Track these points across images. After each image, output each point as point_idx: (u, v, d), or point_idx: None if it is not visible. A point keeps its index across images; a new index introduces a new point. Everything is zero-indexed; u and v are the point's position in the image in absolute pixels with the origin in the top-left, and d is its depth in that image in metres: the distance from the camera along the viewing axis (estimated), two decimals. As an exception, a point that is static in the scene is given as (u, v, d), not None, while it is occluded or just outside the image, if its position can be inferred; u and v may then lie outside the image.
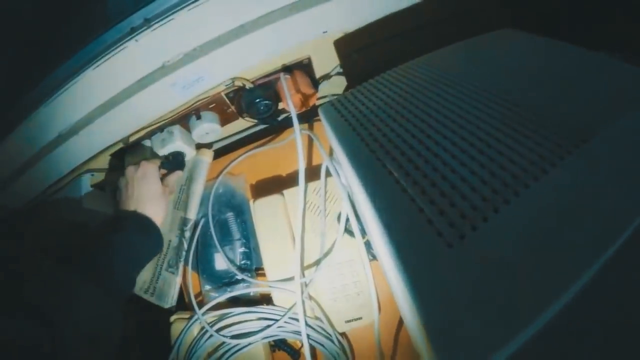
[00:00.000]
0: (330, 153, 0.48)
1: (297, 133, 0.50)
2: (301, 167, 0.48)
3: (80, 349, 0.40)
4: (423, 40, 0.59)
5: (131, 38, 0.54)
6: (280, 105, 0.61)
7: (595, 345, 0.22)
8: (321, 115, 0.44)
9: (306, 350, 0.47)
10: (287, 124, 0.60)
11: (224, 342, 0.49)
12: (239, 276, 0.53)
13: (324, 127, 0.43)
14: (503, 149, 0.30)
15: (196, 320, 0.51)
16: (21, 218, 0.71)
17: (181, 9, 0.53)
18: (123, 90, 0.58)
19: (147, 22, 0.54)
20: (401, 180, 0.31)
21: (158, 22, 0.54)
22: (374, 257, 0.49)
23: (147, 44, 0.55)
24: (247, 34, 0.54)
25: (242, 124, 0.65)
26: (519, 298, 0.23)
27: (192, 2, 0.53)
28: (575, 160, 0.27)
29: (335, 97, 0.44)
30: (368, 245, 0.49)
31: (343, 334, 0.51)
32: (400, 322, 0.50)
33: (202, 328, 0.50)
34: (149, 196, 0.54)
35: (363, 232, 0.47)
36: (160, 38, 0.54)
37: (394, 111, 0.38)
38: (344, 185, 0.43)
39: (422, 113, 0.36)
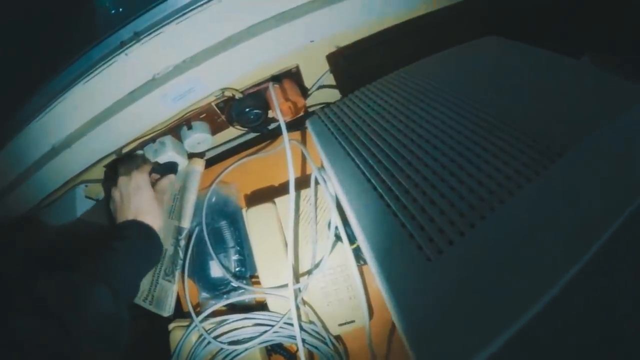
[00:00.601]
0: (319, 163, 0.50)
1: (287, 143, 0.52)
2: (291, 176, 0.50)
3: (90, 348, 0.42)
4: (410, 45, 0.61)
5: (121, 52, 0.56)
6: (270, 114, 0.63)
7: (564, 353, 0.25)
8: (309, 127, 0.46)
9: (301, 354, 0.49)
10: (278, 131, 0.62)
11: (222, 349, 0.52)
12: (235, 283, 0.55)
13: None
14: (481, 164, 0.32)
15: (194, 327, 0.53)
16: (15, 228, 0.73)
17: (170, 22, 0.55)
18: (114, 103, 0.60)
19: (137, 36, 0.56)
20: (385, 195, 0.34)
21: (147, 35, 0.55)
22: (365, 262, 0.52)
23: (137, 58, 0.56)
24: (235, 46, 0.55)
25: (233, 132, 0.67)
26: (491, 309, 0.25)
27: (181, 16, 0.54)
28: (550, 175, 0.30)
29: (322, 108, 0.46)
30: (358, 250, 0.51)
31: (337, 337, 0.54)
32: (393, 324, 0.53)
33: (200, 335, 0.53)
34: (145, 205, 0.56)
35: (352, 239, 0.50)
36: (150, 51, 0.56)
37: (378, 125, 0.40)
38: (332, 195, 0.45)
39: (405, 127, 0.38)
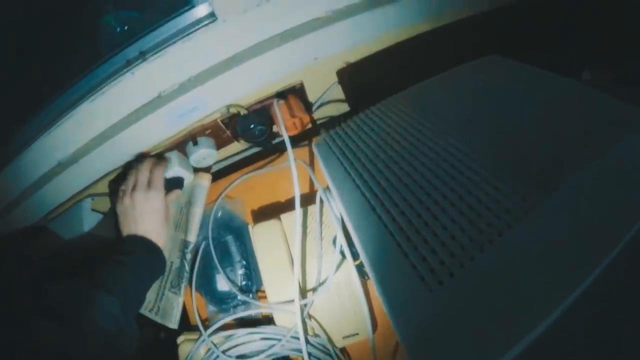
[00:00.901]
0: (324, 182, 0.52)
1: (292, 161, 0.54)
2: (297, 195, 0.52)
3: (98, 355, 0.45)
4: (414, 60, 0.63)
5: (127, 71, 0.57)
6: (275, 128, 0.65)
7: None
8: (315, 150, 0.48)
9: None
10: (283, 146, 0.64)
11: (229, 361, 0.54)
12: (241, 298, 0.58)
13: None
14: (481, 195, 0.34)
15: (203, 341, 0.55)
16: (23, 239, 0.75)
17: (175, 41, 0.56)
18: (121, 120, 0.62)
19: (143, 55, 0.58)
20: (389, 225, 0.36)
21: (153, 54, 0.57)
22: (368, 277, 0.54)
23: (143, 76, 0.58)
24: (239, 64, 0.57)
25: (238, 146, 0.69)
26: (486, 341, 0.27)
27: (186, 35, 0.56)
28: (542, 212, 0.32)
29: (328, 131, 0.48)
30: (362, 265, 0.54)
31: (342, 350, 0.56)
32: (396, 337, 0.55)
33: (209, 349, 0.55)
34: (153, 220, 0.57)
35: (356, 255, 0.52)
36: (156, 69, 0.58)
37: (382, 151, 0.42)
38: (337, 216, 0.47)
39: (408, 155, 0.40)
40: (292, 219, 0.56)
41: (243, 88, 0.60)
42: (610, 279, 0.28)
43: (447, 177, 0.37)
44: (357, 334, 0.55)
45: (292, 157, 0.54)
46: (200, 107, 0.60)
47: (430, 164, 0.38)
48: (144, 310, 0.64)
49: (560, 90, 0.43)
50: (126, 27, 0.60)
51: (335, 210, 0.47)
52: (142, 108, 0.61)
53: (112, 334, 0.46)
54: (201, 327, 0.57)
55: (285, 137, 0.56)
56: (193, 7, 0.56)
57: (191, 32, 0.56)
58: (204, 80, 0.58)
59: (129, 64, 0.58)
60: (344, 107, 0.69)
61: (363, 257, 0.37)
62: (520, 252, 0.30)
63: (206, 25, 0.55)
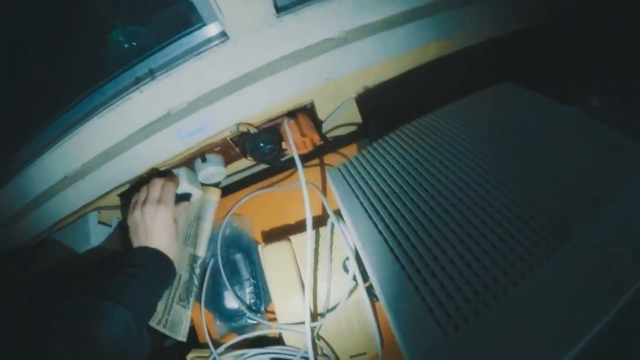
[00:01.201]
0: (335, 205, 0.53)
1: (303, 184, 0.55)
2: (308, 218, 0.53)
3: None
4: (427, 81, 0.63)
5: (136, 89, 0.58)
6: (284, 146, 0.65)
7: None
8: (329, 180, 0.49)
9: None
10: (292, 164, 0.65)
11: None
12: (251, 318, 0.59)
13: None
14: (496, 241, 0.36)
15: (213, 359, 0.57)
16: (29, 251, 0.76)
17: (186, 60, 0.56)
18: (129, 137, 0.62)
19: (152, 73, 0.58)
20: (406, 267, 0.37)
21: (163, 72, 0.57)
22: (377, 299, 0.56)
23: (151, 94, 0.58)
24: (250, 84, 0.57)
25: (247, 162, 0.70)
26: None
27: (197, 54, 0.56)
28: (556, 258, 0.33)
29: (343, 162, 0.49)
30: (371, 287, 0.55)
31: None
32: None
33: (219, 367, 0.57)
34: (164, 233, 0.58)
35: (366, 277, 0.53)
36: (165, 88, 0.58)
37: (398, 186, 0.43)
38: (350, 246, 0.49)
39: (424, 191, 0.41)
40: (301, 241, 0.57)
41: (253, 107, 0.60)
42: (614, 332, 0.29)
43: (463, 219, 0.38)
44: (365, 353, 0.57)
45: (304, 180, 0.55)
46: (209, 125, 0.60)
47: (447, 204, 0.39)
48: (152, 323, 0.66)
49: (569, 125, 0.44)
50: (134, 43, 0.60)
51: (348, 239, 0.49)
52: (150, 125, 0.61)
53: (125, 345, 0.48)
54: (211, 347, 0.58)
55: (297, 157, 0.57)
56: (204, 25, 0.56)
57: (202, 51, 0.56)
58: (214, 100, 0.58)
59: (138, 81, 0.58)
60: (353, 127, 0.70)
61: (379, 294, 0.39)
62: (532, 304, 0.32)
63: (217, 44, 0.55)
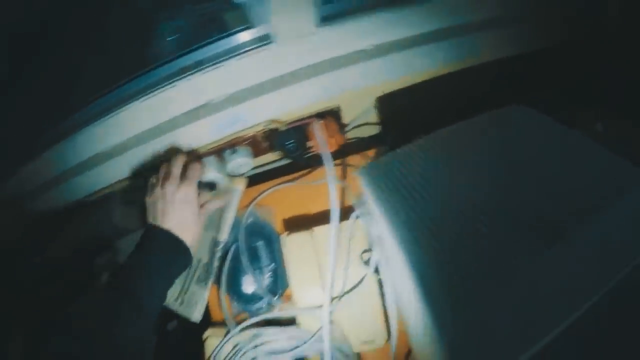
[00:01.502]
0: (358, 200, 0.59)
1: (331, 179, 0.61)
2: (334, 210, 0.59)
3: None
4: (448, 94, 0.71)
5: (181, 78, 0.63)
6: (308, 144, 0.71)
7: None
8: (360, 177, 0.55)
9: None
10: (314, 162, 0.71)
11: (255, 358, 0.60)
12: (269, 300, 0.64)
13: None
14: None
15: (232, 336, 0.61)
16: (51, 227, 0.78)
17: (231, 57, 0.62)
18: (166, 122, 0.66)
19: (198, 65, 0.63)
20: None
21: (208, 66, 0.62)
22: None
23: (195, 84, 0.63)
24: (287, 85, 0.63)
25: (272, 156, 0.75)
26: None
27: (242, 52, 0.62)
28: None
29: (372, 160, 0.55)
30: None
31: (358, 355, 0.63)
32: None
33: (236, 344, 0.61)
34: (187, 222, 0.58)
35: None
36: (208, 80, 0.63)
37: (423, 190, 0.49)
38: (375, 237, 0.55)
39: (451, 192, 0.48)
40: (324, 232, 0.63)
41: (286, 106, 0.66)
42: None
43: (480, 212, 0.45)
44: (374, 340, 0.63)
45: (332, 174, 0.61)
46: (245, 119, 0.66)
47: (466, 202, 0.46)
48: (168, 302, 0.69)
49: (574, 147, 0.52)
50: (180, 36, 0.65)
51: (374, 231, 0.55)
52: (189, 113, 0.66)
53: (130, 344, 0.49)
54: (231, 322, 0.62)
55: (326, 155, 0.63)
56: (252, 27, 0.62)
57: (247, 50, 0.62)
58: (252, 96, 0.64)
59: (183, 71, 0.63)
60: (373, 132, 0.76)
61: (409, 276, 0.44)
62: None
63: (262, 45, 0.61)
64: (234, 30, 0.63)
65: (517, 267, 0.40)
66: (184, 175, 0.59)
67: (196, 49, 0.63)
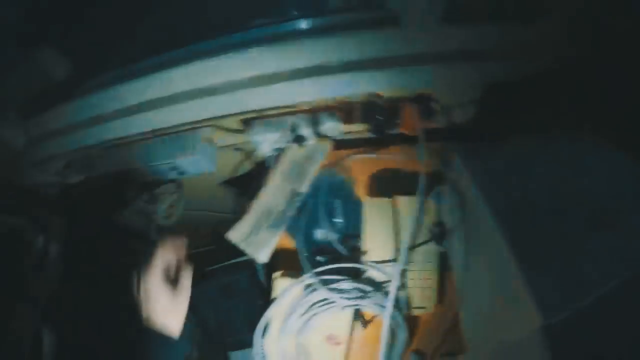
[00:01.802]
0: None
1: (422, 156, 0.69)
2: (421, 184, 0.67)
3: None
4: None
5: (304, 37, 0.69)
6: (397, 122, 0.78)
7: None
8: (458, 158, 0.63)
9: (385, 325, 0.65)
10: (396, 141, 0.79)
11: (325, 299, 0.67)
12: (341, 251, 0.71)
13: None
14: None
15: (302, 280, 0.68)
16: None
17: (359, 30, 0.69)
18: (276, 73, 0.72)
19: (334, 29, 0.69)
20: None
21: (340, 31, 0.69)
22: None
23: (316, 45, 0.70)
24: (399, 66, 0.71)
25: (360, 127, 0.82)
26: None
27: (367, 28, 0.69)
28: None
29: (474, 144, 0.64)
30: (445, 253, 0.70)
31: (409, 316, 0.71)
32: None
33: (310, 284, 0.67)
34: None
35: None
36: (336, 44, 0.70)
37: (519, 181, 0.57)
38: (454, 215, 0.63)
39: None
40: (402, 202, 0.71)
41: (391, 85, 0.73)
42: None
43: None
44: (425, 307, 0.70)
45: (424, 151, 0.69)
46: (353, 86, 0.72)
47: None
48: (238, 240, 0.75)
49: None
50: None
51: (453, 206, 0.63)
52: (301, 70, 0.72)
53: None
54: (307, 265, 0.69)
55: (420, 134, 0.71)
56: (382, 7, 0.69)
57: (375, 28, 0.69)
58: (366, 68, 0.71)
59: (307, 32, 0.70)
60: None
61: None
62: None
63: (390, 26, 0.68)
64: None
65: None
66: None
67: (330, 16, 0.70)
